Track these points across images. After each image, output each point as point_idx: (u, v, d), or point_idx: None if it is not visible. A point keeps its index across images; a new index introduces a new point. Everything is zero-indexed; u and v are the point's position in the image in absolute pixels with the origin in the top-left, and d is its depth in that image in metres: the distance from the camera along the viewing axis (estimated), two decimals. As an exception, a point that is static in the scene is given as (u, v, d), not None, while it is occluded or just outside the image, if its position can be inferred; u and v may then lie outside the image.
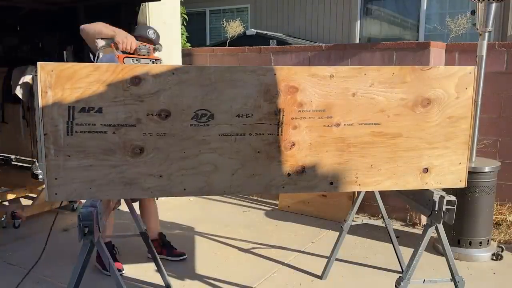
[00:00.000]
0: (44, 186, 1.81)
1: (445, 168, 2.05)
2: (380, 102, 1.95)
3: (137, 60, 2.56)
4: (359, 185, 2.03)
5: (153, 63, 2.56)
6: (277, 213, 4.30)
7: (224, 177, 1.91)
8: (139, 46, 2.57)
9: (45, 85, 1.71)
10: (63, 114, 1.74)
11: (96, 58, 2.78)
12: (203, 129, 1.85)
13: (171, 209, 4.40)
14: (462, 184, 2.09)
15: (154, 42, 2.92)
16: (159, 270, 2.83)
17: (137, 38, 2.82)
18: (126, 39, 2.55)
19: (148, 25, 4.16)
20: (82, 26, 2.79)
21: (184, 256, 3.26)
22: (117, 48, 2.57)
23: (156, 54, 2.86)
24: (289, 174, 1.96)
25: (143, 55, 2.57)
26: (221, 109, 1.85)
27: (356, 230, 3.58)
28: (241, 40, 7.90)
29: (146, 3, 4.41)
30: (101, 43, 2.67)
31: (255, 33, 8.42)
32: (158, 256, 2.83)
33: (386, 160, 2.01)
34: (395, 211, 4.03)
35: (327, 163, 1.98)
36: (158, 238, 3.30)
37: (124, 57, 2.55)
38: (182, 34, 6.61)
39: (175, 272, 3.06)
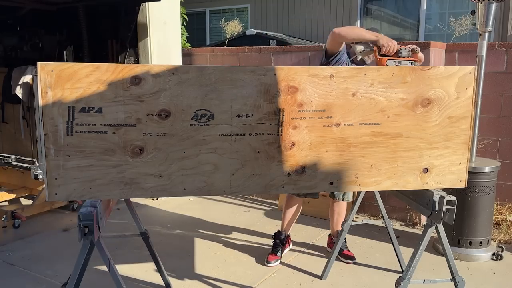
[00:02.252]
0: (44, 186, 1.82)
1: (445, 168, 2.05)
2: (380, 102, 1.95)
3: (398, 62, 2.61)
4: (359, 185, 2.03)
5: (411, 64, 2.61)
6: (277, 213, 4.29)
7: (224, 177, 1.91)
8: (400, 49, 2.64)
9: (45, 85, 1.71)
10: (63, 114, 1.75)
11: (340, 61, 2.89)
12: (203, 129, 1.85)
13: (171, 209, 4.40)
14: (462, 184, 2.09)
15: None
16: (159, 269, 2.82)
17: None
18: (391, 43, 2.62)
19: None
20: (336, 30, 2.80)
21: (353, 260, 3.24)
22: (379, 51, 2.63)
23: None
24: (289, 174, 1.96)
25: (403, 57, 2.63)
26: (221, 109, 1.85)
27: (356, 230, 3.58)
28: (241, 40, 7.90)
29: (146, 3, 4.41)
30: (360, 47, 2.76)
31: (255, 33, 8.42)
32: (158, 256, 2.83)
33: (386, 160, 2.01)
34: (395, 211, 4.03)
35: (327, 163, 1.98)
36: (334, 235, 3.41)
37: (387, 60, 2.63)
38: (182, 34, 6.61)
39: (175, 272, 3.06)
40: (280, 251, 3.28)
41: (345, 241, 3.36)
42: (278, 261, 3.23)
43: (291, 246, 3.45)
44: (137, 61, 4.55)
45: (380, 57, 2.63)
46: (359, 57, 2.90)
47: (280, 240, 3.32)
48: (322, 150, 1.96)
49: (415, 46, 2.72)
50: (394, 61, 2.61)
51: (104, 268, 2.11)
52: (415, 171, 2.04)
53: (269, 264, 3.19)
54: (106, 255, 1.98)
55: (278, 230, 3.37)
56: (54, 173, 1.78)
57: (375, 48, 2.67)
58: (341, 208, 3.36)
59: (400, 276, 2.22)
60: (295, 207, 3.29)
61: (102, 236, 1.98)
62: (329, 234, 3.51)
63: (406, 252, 3.10)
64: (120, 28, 4.52)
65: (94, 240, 1.89)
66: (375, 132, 1.98)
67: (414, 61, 2.63)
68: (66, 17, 4.81)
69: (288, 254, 3.38)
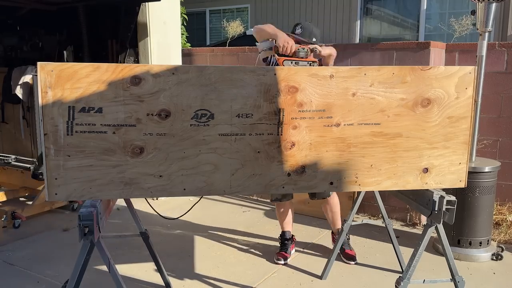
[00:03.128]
0: (44, 186, 1.82)
1: (445, 168, 2.05)
2: (380, 102, 1.96)
3: (295, 62, 2.62)
4: (359, 185, 2.03)
5: (309, 65, 2.60)
6: (277, 213, 4.29)
7: (224, 177, 1.91)
8: (298, 49, 2.64)
9: (45, 85, 1.71)
10: (63, 114, 1.75)
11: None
12: (203, 129, 1.85)
13: (171, 209, 4.40)
14: (462, 184, 2.09)
15: (301, 38, 2.99)
16: (159, 269, 2.82)
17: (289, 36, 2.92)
18: (287, 44, 2.64)
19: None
20: (254, 26, 2.95)
21: (354, 261, 3.24)
22: (277, 51, 2.62)
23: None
24: (289, 174, 1.96)
25: (301, 58, 2.63)
26: (221, 109, 1.85)
27: (356, 230, 3.58)
28: (241, 40, 7.89)
29: (146, 3, 4.41)
30: (261, 46, 2.80)
31: (255, 33, 8.41)
32: (157, 256, 2.83)
33: (386, 160, 2.01)
34: (395, 211, 4.02)
35: (327, 163, 1.98)
36: (335, 232, 3.39)
37: (284, 60, 2.65)
38: (182, 34, 6.61)
39: (175, 271, 3.06)
40: (288, 249, 3.30)
41: (348, 239, 3.35)
42: (288, 259, 3.25)
43: (294, 249, 3.44)
44: (137, 61, 4.55)
45: (279, 57, 2.64)
46: (260, 55, 2.93)
47: (286, 239, 3.33)
48: (322, 150, 1.96)
49: (315, 46, 2.72)
50: (291, 62, 2.62)
51: (104, 268, 2.11)
52: (415, 171, 2.04)
53: (279, 262, 3.20)
54: (106, 255, 1.98)
55: (282, 231, 3.38)
56: (54, 173, 1.78)
57: (274, 48, 2.67)
58: (332, 205, 3.36)
59: (400, 276, 2.22)
60: (284, 208, 3.34)
61: (102, 236, 1.98)
62: (331, 231, 3.51)
63: (406, 252, 3.09)
64: (120, 28, 4.52)
65: (94, 240, 1.89)
66: (375, 132, 1.98)
67: (313, 61, 2.63)
68: (66, 17, 4.81)
69: (288, 254, 3.38)
